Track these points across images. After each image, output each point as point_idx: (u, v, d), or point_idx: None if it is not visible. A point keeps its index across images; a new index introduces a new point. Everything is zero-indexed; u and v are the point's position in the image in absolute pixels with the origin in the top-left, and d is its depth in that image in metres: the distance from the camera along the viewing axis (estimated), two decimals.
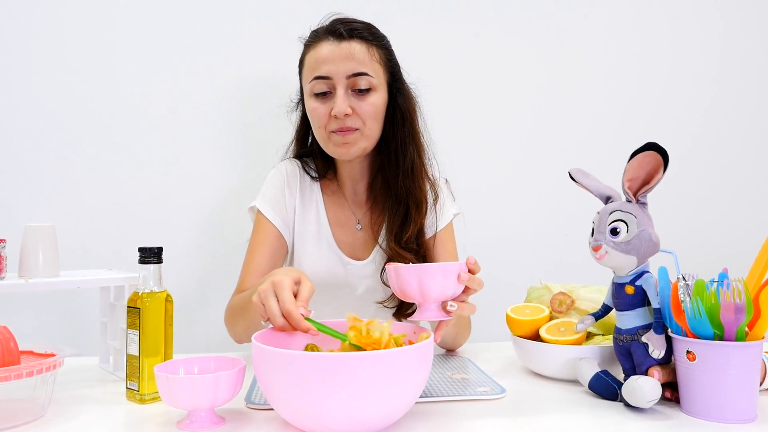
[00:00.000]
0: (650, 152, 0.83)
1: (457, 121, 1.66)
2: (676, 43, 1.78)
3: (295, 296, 0.84)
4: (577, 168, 0.97)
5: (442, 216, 1.24)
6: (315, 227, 1.24)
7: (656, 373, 0.83)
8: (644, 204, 0.87)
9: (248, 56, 1.57)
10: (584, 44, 1.73)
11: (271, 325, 0.84)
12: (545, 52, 1.72)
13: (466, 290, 0.86)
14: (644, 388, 0.80)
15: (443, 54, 1.65)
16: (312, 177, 1.27)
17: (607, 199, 0.91)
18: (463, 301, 0.86)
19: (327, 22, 1.17)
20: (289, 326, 0.82)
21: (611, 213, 0.87)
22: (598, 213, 0.89)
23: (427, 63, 1.62)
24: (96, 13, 1.51)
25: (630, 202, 0.87)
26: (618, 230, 0.85)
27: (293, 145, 1.31)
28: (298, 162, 1.29)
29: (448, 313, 0.85)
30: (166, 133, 1.55)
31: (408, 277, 0.83)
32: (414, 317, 0.87)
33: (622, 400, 0.85)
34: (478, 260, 0.86)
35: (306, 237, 1.23)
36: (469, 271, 0.84)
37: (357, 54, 1.12)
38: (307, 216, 1.25)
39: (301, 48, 1.20)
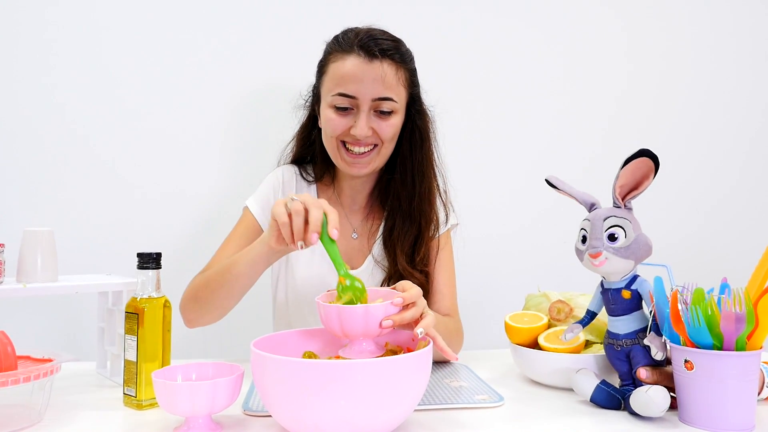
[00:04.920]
0: (643, 158, 0.84)
1: (455, 130, 1.66)
2: (674, 51, 1.78)
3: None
4: (553, 176, 0.98)
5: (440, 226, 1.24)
6: None
7: (644, 372, 0.84)
8: (631, 209, 0.89)
9: (245, 63, 1.58)
10: (587, 47, 1.74)
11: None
12: (539, 57, 1.72)
13: (418, 320, 0.82)
14: (656, 399, 0.80)
15: (441, 65, 1.66)
16: (308, 181, 1.27)
17: (591, 206, 0.92)
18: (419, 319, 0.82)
19: (358, 33, 1.12)
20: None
21: (606, 219, 0.87)
22: (588, 220, 0.90)
23: (421, 69, 1.63)
24: (95, 17, 1.51)
25: (618, 207, 0.89)
26: (616, 236, 0.86)
27: (294, 142, 1.29)
28: (296, 167, 1.28)
29: (380, 346, 0.82)
30: (165, 138, 1.55)
31: (330, 317, 0.79)
32: (345, 354, 0.81)
33: (627, 409, 0.85)
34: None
35: None
36: (404, 307, 0.80)
37: (386, 77, 1.10)
38: None
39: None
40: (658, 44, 1.78)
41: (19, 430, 0.78)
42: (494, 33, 1.70)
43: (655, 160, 0.84)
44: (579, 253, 0.91)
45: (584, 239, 0.90)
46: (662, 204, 1.71)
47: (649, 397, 0.80)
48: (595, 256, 0.87)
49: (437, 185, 1.23)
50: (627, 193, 0.88)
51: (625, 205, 0.89)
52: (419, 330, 0.80)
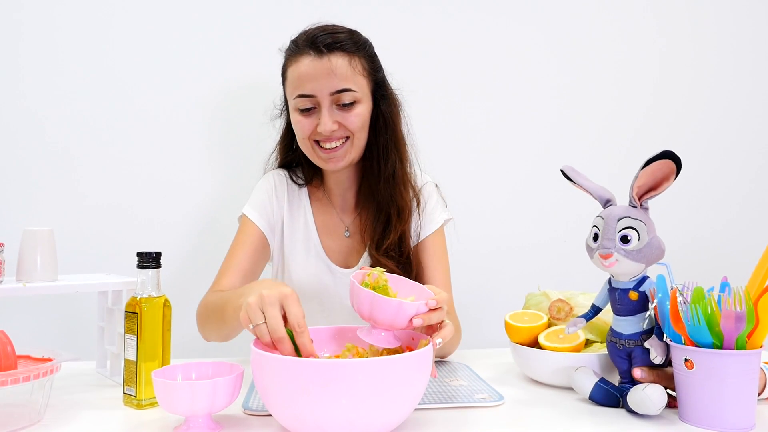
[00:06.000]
0: (665, 160, 0.81)
1: (455, 127, 1.66)
2: (672, 49, 1.78)
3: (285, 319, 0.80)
4: (569, 166, 0.94)
5: (431, 222, 1.23)
6: (303, 235, 1.24)
7: (639, 372, 0.84)
8: (647, 209, 0.87)
9: (247, 62, 1.58)
10: (585, 44, 1.74)
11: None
12: (541, 53, 1.72)
13: (439, 326, 0.82)
14: (653, 397, 0.80)
15: (438, 57, 1.66)
16: (299, 185, 1.27)
17: (606, 202, 0.89)
18: (439, 327, 0.83)
19: (307, 32, 1.13)
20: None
21: (620, 219, 0.85)
22: (602, 217, 0.87)
23: (422, 67, 1.63)
24: (93, 17, 1.51)
25: (635, 207, 0.86)
26: (629, 238, 0.84)
27: (277, 151, 1.31)
28: (285, 172, 1.29)
29: (397, 340, 0.83)
30: (165, 137, 1.55)
31: (361, 300, 0.80)
32: (362, 336, 0.82)
33: (625, 407, 0.85)
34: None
35: (294, 245, 1.23)
36: (431, 309, 0.80)
37: (339, 69, 1.10)
38: (296, 224, 1.25)
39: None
40: (656, 39, 1.78)
41: (18, 430, 0.78)
42: (493, 25, 1.70)
43: (677, 162, 0.80)
44: (589, 250, 0.88)
45: (596, 237, 0.87)
46: (662, 202, 1.71)
47: (646, 394, 0.80)
48: (605, 257, 0.85)
49: (405, 171, 1.21)
50: (644, 193, 0.85)
51: (641, 205, 0.86)
52: (438, 340, 0.80)
